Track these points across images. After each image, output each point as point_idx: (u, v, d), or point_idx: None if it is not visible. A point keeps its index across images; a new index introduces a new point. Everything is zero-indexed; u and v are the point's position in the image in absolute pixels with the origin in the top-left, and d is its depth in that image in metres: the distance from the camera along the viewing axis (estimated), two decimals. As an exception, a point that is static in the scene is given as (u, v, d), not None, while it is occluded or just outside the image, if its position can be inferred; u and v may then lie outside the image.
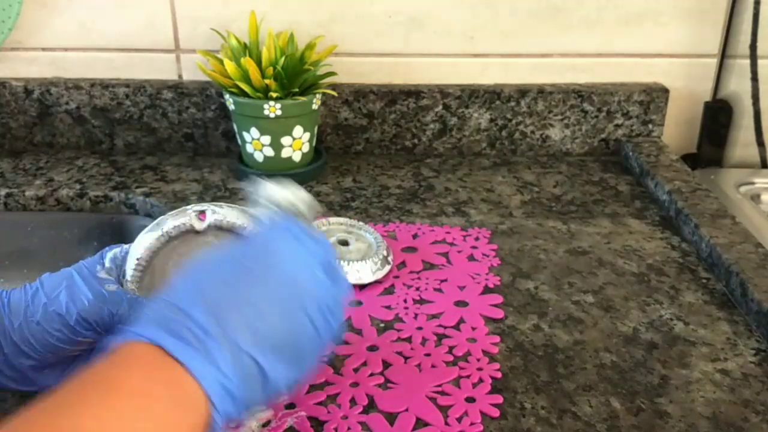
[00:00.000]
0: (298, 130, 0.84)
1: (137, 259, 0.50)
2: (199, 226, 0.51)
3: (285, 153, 0.85)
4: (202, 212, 0.51)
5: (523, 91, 0.93)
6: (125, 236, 0.82)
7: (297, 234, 0.44)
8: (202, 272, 0.41)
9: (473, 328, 0.60)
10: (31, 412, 0.33)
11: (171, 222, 0.50)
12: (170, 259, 0.51)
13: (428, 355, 0.57)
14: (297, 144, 0.85)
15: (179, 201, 0.82)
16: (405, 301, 0.64)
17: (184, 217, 0.50)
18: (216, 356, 0.37)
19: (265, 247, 0.43)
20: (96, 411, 0.33)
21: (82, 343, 0.48)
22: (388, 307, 0.63)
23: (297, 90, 0.83)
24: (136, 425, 0.34)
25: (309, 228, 0.46)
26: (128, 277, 0.50)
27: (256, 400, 0.40)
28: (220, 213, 0.51)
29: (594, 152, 0.96)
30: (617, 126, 0.95)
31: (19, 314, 0.48)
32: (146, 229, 0.51)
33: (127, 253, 0.51)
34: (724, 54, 0.94)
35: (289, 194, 0.48)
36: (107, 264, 0.51)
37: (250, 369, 0.39)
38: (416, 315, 0.62)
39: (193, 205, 0.52)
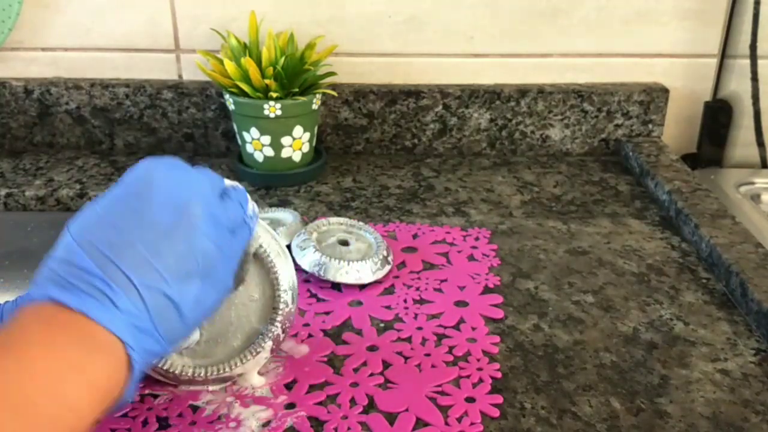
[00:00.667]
0: (298, 130, 0.84)
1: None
2: None
3: (285, 153, 0.85)
4: None
5: (523, 91, 0.93)
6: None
7: (177, 165, 0.44)
8: (86, 222, 0.41)
9: (473, 328, 0.60)
10: None
11: None
12: None
13: (428, 355, 0.57)
14: (297, 144, 0.85)
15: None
16: (405, 301, 0.64)
17: None
18: (116, 299, 0.38)
19: (147, 182, 0.43)
20: (1, 363, 0.33)
21: None
22: (388, 307, 0.63)
23: (297, 90, 0.83)
24: (41, 369, 0.34)
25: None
26: None
27: (177, 330, 0.41)
28: None
29: (594, 152, 0.96)
30: (617, 126, 0.95)
31: None
32: None
33: None
34: (724, 54, 0.94)
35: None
36: None
37: (159, 301, 0.39)
38: (416, 315, 0.62)
39: None
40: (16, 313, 0.37)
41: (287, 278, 0.53)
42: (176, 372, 0.51)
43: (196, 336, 0.50)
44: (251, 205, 0.48)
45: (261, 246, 0.51)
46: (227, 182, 0.48)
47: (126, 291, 0.38)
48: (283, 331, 0.53)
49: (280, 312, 0.52)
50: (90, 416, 0.36)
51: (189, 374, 0.51)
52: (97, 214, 0.41)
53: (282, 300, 0.52)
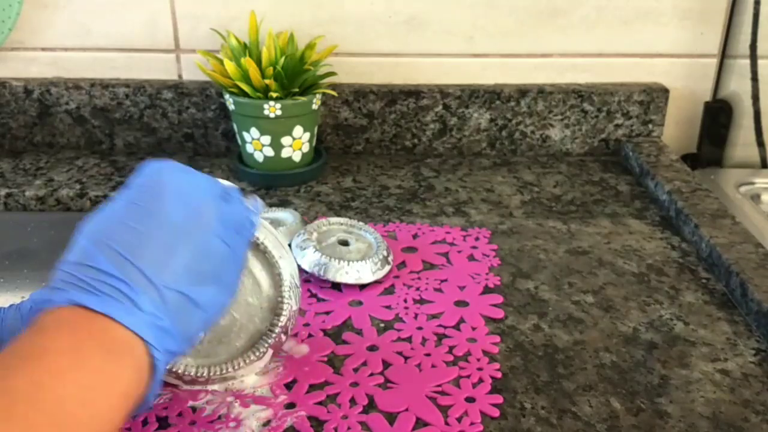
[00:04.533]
0: (298, 130, 0.84)
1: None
2: None
3: (285, 153, 0.85)
4: None
5: (523, 91, 0.93)
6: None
7: (183, 168, 0.45)
8: (100, 224, 0.41)
9: (473, 328, 0.60)
10: None
11: None
12: None
13: (428, 355, 0.57)
14: (297, 144, 0.85)
15: (179, 201, 0.82)
16: (405, 301, 0.64)
17: None
18: (138, 300, 0.38)
19: (158, 184, 0.43)
20: (29, 373, 0.33)
21: None
22: (388, 307, 0.63)
23: (297, 90, 0.83)
24: (71, 379, 0.34)
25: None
26: None
27: (193, 330, 0.42)
28: None
29: (594, 152, 0.96)
30: (617, 126, 0.95)
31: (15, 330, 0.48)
32: None
33: None
34: (724, 54, 0.94)
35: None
36: None
37: (179, 302, 0.40)
38: (416, 315, 0.62)
39: None
40: (38, 318, 0.37)
41: (290, 278, 0.53)
42: (179, 371, 0.51)
43: (200, 335, 0.50)
44: (253, 204, 0.48)
45: (263, 244, 0.51)
46: (222, 182, 0.48)
47: (146, 291, 0.39)
48: (285, 333, 0.53)
49: (283, 313, 0.52)
50: (118, 421, 0.36)
51: (192, 374, 0.51)
52: (110, 217, 0.42)
53: (285, 301, 0.52)
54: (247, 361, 0.51)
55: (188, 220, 0.42)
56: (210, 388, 0.53)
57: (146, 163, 0.45)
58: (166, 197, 0.42)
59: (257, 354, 0.52)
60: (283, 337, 0.53)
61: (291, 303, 0.52)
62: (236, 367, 0.51)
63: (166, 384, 0.53)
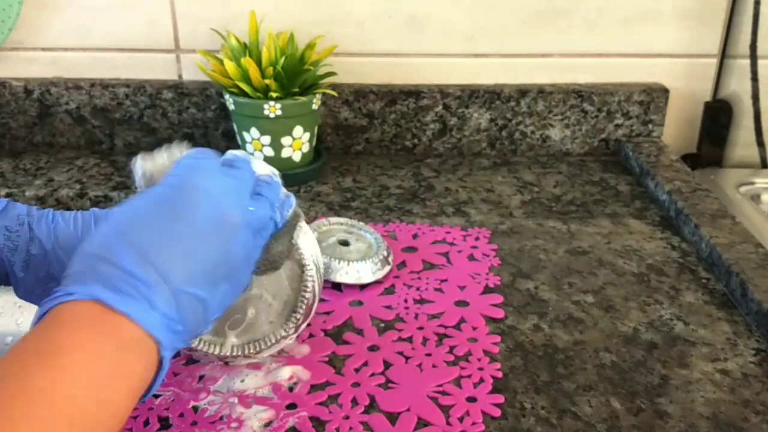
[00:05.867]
0: (298, 130, 0.84)
1: (142, 173, 0.52)
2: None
3: (285, 153, 0.85)
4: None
5: (523, 91, 0.93)
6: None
7: (219, 169, 0.45)
8: (128, 219, 0.42)
9: (474, 328, 0.60)
10: None
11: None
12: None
13: (429, 355, 0.57)
14: (297, 144, 0.85)
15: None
16: (405, 301, 0.64)
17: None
18: (155, 300, 0.38)
19: (189, 186, 0.43)
20: (46, 371, 0.34)
21: None
22: (389, 307, 0.63)
23: (297, 90, 0.83)
24: (88, 377, 0.35)
25: (228, 157, 0.47)
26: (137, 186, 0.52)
27: (199, 328, 0.42)
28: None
29: (594, 152, 0.96)
30: (617, 126, 0.95)
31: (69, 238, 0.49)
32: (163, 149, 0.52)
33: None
34: (724, 54, 0.94)
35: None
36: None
37: (190, 303, 0.40)
38: (417, 315, 0.62)
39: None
40: (56, 311, 0.37)
41: (312, 255, 0.54)
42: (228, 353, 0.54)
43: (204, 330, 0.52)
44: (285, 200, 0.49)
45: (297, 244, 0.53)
46: (259, 170, 0.48)
47: (163, 293, 0.39)
48: (311, 305, 0.55)
49: (308, 288, 0.54)
50: (126, 418, 0.37)
51: (242, 352, 0.54)
52: (137, 213, 0.42)
53: (309, 275, 0.54)
54: (288, 331, 0.54)
55: (213, 226, 0.42)
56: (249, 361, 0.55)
57: (185, 157, 0.46)
58: (195, 200, 0.42)
59: (289, 327, 0.54)
60: (313, 306, 0.55)
61: (315, 278, 0.54)
62: (278, 339, 0.54)
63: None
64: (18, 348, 0.35)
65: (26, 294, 0.49)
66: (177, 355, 0.52)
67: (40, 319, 0.37)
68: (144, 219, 0.41)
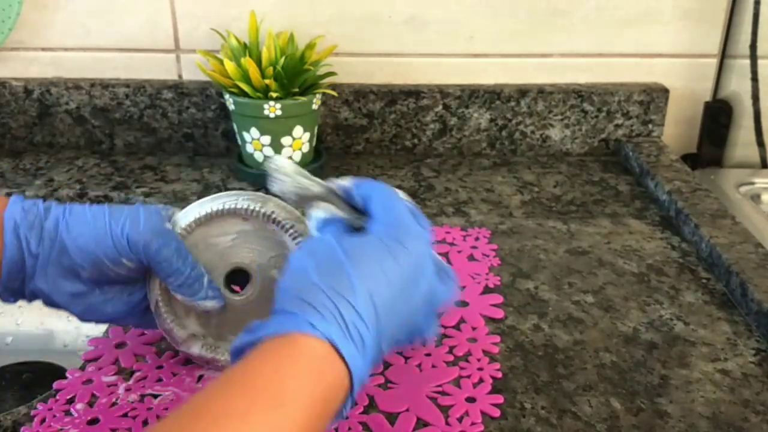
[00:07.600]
0: (298, 130, 0.84)
1: (183, 227, 0.51)
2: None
3: (285, 153, 0.85)
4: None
5: (523, 91, 0.93)
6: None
7: (428, 237, 0.45)
8: (365, 262, 0.41)
9: (473, 328, 0.60)
10: (184, 419, 0.33)
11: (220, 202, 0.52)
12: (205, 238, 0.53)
13: (429, 355, 0.57)
14: (297, 144, 0.85)
15: (179, 201, 0.82)
16: (405, 301, 0.64)
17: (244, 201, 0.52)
18: (369, 356, 0.39)
19: (423, 268, 0.43)
20: (270, 416, 0.34)
21: (122, 267, 0.49)
22: (389, 307, 0.63)
23: (297, 90, 0.83)
24: (305, 421, 0.35)
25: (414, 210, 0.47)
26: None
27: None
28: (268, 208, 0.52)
29: (594, 152, 0.96)
30: (617, 126, 0.95)
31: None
32: (200, 201, 0.52)
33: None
34: (724, 54, 0.94)
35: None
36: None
37: (378, 358, 0.41)
38: (416, 315, 0.62)
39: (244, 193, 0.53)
40: (290, 339, 0.38)
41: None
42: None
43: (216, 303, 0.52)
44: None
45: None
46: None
47: (375, 349, 0.40)
48: None
49: None
50: None
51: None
52: (387, 277, 0.41)
53: None
54: None
55: (424, 305, 0.43)
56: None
57: (418, 238, 0.44)
58: (419, 279, 0.43)
59: None
60: None
61: None
62: None
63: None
64: (245, 374, 0.36)
65: (37, 285, 0.49)
66: None
67: (266, 331, 0.38)
68: (381, 271, 0.41)
